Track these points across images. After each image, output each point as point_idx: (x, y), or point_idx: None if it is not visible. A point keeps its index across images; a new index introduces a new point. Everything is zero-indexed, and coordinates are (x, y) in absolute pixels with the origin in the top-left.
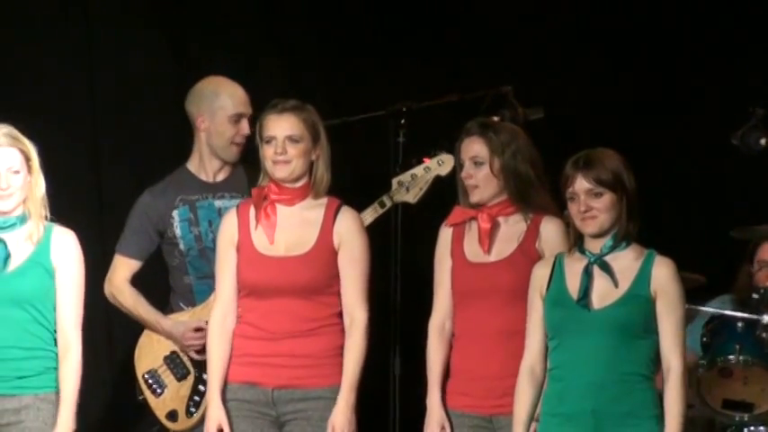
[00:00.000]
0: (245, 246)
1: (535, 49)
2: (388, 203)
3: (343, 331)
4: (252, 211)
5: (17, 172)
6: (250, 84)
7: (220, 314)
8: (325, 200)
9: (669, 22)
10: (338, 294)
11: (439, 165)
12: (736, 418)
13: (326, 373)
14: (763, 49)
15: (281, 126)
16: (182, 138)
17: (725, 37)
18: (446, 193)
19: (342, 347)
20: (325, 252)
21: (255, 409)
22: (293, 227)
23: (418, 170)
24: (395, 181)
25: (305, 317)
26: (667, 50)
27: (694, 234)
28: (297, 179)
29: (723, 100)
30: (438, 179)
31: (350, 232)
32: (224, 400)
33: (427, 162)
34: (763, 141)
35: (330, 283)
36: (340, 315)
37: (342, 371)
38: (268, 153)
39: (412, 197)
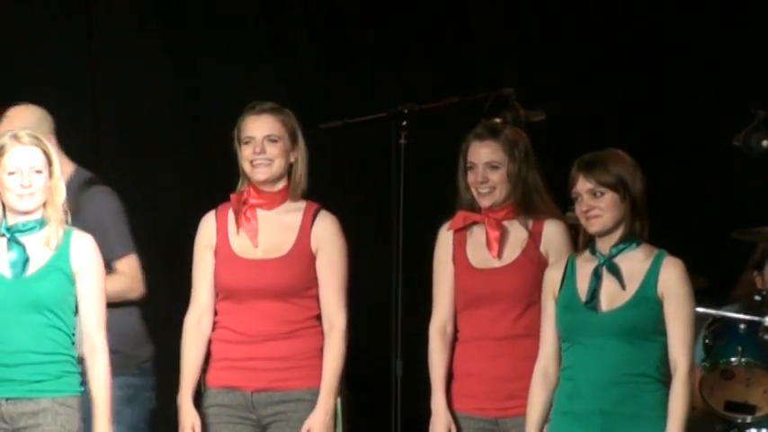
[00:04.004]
0: (222, 249)
1: (537, 51)
2: None
3: (321, 333)
4: (231, 214)
5: (39, 172)
6: (250, 85)
7: (196, 317)
8: (303, 204)
9: (670, 24)
10: (316, 298)
11: None
12: (738, 420)
13: (305, 375)
14: (765, 50)
15: (260, 126)
16: (182, 140)
17: (727, 38)
18: (445, 195)
19: (320, 349)
20: (303, 255)
21: (236, 413)
22: (271, 231)
23: None
24: None
25: (283, 320)
26: (669, 52)
27: (695, 236)
28: (276, 181)
29: (725, 101)
30: None
31: (327, 237)
32: (205, 406)
33: None
34: (764, 143)
35: (308, 286)
36: (318, 318)
37: (321, 373)
38: (246, 154)
39: None
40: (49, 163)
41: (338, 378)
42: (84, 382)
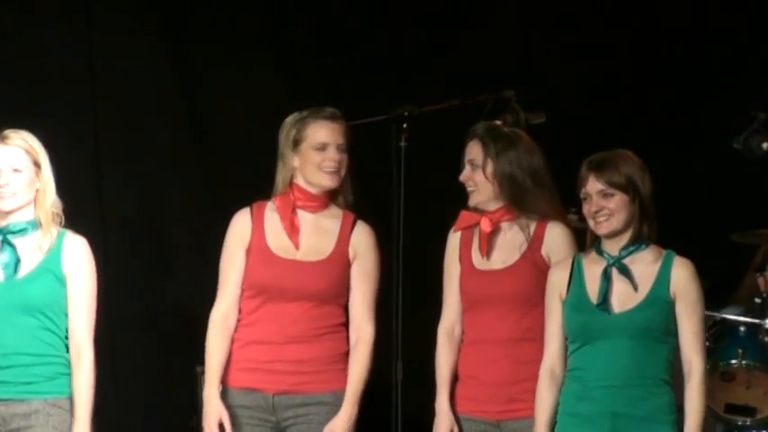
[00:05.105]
0: (258, 247)
1: (537, 53)
2: None
3: (346, 338)
4: (268, 214)
5: (18, 171)
6: (251, 87)
7: (223, 312)
8: (340, 212)
9: (671, 26)
10: (343, 307)
11: None
12: (739, 423)
13: (328, 379)
14: (766, 52)
15: (335, 134)
16: (182, 140)
17: (727, 40)
18: (449, 197)
19: (344, 354)
20: (341, 262)
21: (255, 415)
22: (309, 234)
23: None
24: None
25: (310, 323)
26: (669, 54)
27: (695, 238)
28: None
29: (725, 104)
30: None
31: (366, 247)
32: (225, 406)
33: None
34: (765, 145)
35: (341, 293)
36: (343, 325)
37: (344, 377)
38: (316, 159)
39: None
40: (36, 165)
41: (363, 386)
42: None
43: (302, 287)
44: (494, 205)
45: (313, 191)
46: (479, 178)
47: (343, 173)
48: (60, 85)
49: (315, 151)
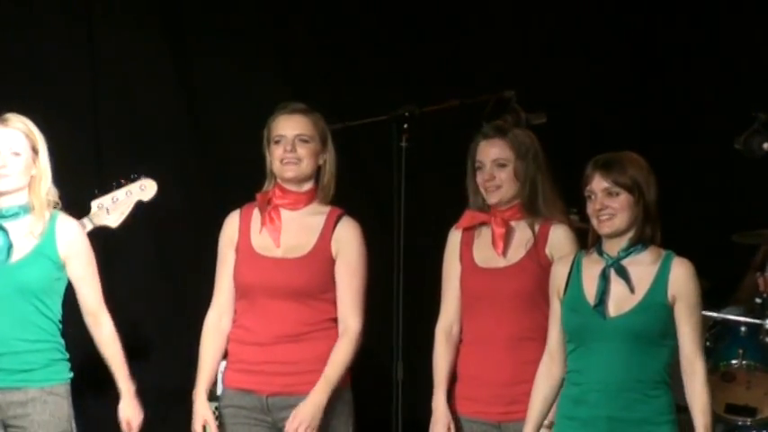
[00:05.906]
0: (243, 246)
1: (538, 53)
2: (89, 226)
3: (336, 337)
4: (255, 214)
5: (17, 154)
6: (250, 87)
7: (216, 315)
8: (327, 209)
9: (670, 26)
10: (333, 302)
11: (141, 190)
12: (739, 423)
13: (318, 380)
14: (766, 53)
15: (291, 125)
16: (183, 141)
17: (727, 41)
18: (449, 198)
19: None
20: (322, 257)
21: (252, 415)
22: (293, 231)
23: (120, 193)
24: (95, 203)
25: (298, 321)
26: (669, 55)
27: (696, 238)
28: (304, 181)
29: (726, 104)
30: (140, 203)
31: (349, 242)
32: (222, 406)
33: (129, 186)
34: (765, 146)
35: (325, 288)
36: (334, 321)
37: None
38: (277, 153)
39: (113, 221)
40: (34, 151)
41: (338, 377)
42: (72, 368)
43: (283, 284)
44: (507, 204)
45: (287, 187)
46: (506, 176)
47: (305, 164)
48: (60, 84)
49: (275, 145)
